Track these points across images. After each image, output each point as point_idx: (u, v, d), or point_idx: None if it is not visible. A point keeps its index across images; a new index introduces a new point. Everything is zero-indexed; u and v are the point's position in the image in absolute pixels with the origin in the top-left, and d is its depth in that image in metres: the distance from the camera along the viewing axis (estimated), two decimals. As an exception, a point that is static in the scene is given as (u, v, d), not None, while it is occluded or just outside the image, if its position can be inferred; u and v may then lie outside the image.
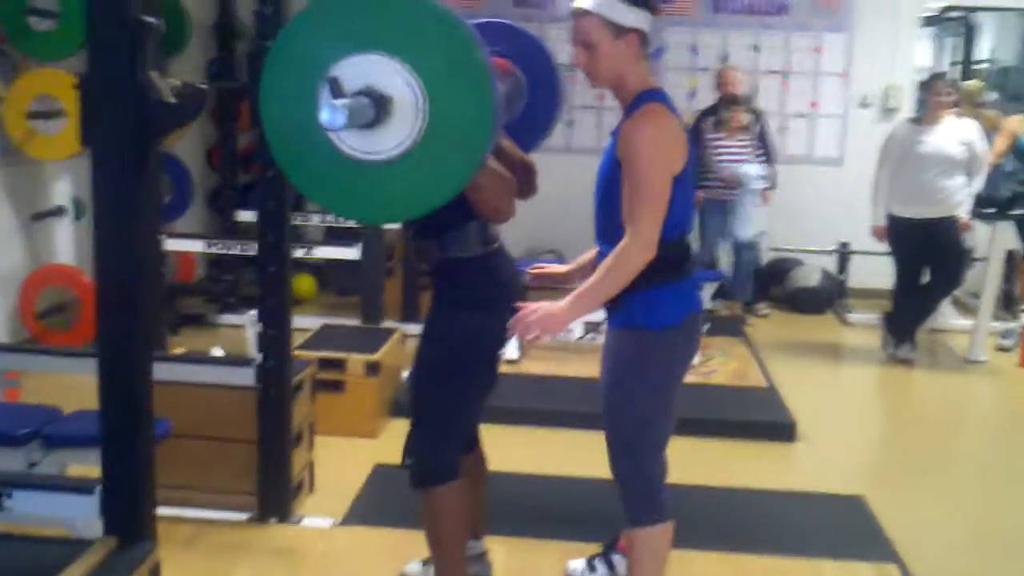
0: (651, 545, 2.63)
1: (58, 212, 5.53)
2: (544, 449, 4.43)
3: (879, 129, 6.84)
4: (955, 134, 5.91)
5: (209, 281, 7.15)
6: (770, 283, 7.61)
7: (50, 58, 5.29)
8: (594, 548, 3.24)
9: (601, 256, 2.60)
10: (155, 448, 2.51)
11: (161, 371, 3.26)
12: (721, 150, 6.87)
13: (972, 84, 7.47)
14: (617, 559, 3.15)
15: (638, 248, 2.44)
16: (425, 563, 3.05)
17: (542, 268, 2.96)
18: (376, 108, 2.00)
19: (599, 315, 2.71)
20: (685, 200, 2.57)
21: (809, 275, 7.49)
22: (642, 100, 2.51)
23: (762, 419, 4.85)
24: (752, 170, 6.81)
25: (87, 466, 2.84)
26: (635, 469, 2.62)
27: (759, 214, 6.87)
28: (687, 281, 2.65)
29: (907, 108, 7.71)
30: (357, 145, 2.06)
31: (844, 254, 7.54)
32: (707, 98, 7.76)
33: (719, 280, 6.55)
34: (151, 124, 2.35)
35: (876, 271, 7.08)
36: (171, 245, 5.74)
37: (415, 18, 2.03)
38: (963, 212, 5.96)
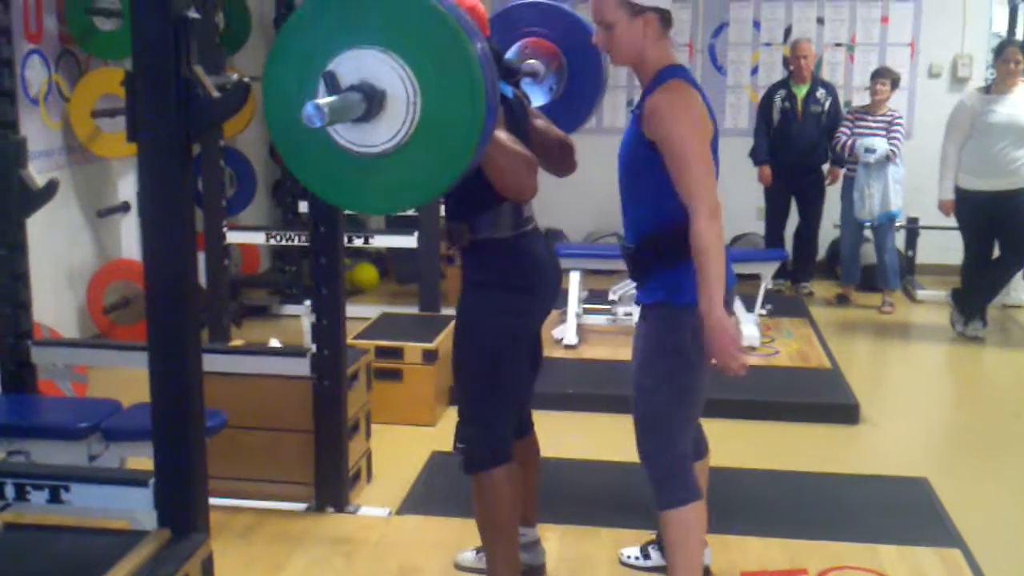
0: (685, 525, 2.62)
1: (123, 208, 5.66)
2: (600, 435, 4.41)
3: (949, 100, 6.64)
4: (1027, 103, 5.74)
5: (273, 272, 7.26)
6: (836, 260, 7.47)
7: (114, 56, 5.43)
8: (648, 536, 3.22)
9: (626, 243, 2.66)
10: (211, 440, 2.57)
11: (218, 363, 3.36)
12: (859, 125, 6.64)
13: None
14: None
15: (708, 219, 2.42)
16: (478, 551, 3.06)
17: None
18: (368, 102, 2.05)
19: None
20: (715, 164, 2.56)
21: (877, 252, 7.34)
22: (664, 77, 2.51)
23: (824, 401, 4.77)
24: (870, 143, 6.46)
25: (147, 458, 2.90)
26: (664, 448, 2.61)
27: (885, 193, 6.49)
28: None
29: (978, 77, 7.50)
30: (351, 138, 2.11)
31: (913, 229, 7.36)
32: (771, 74, 7.67)
33: (782, 260, 6.43)
34: (195, 119, 2.38)
35: (946, 247, 6.92)
36: (234, 237, 5.83)
37: (408, 13, 2.07)
38: (1035, 184, 5.78)
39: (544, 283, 2.76)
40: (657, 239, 2.60)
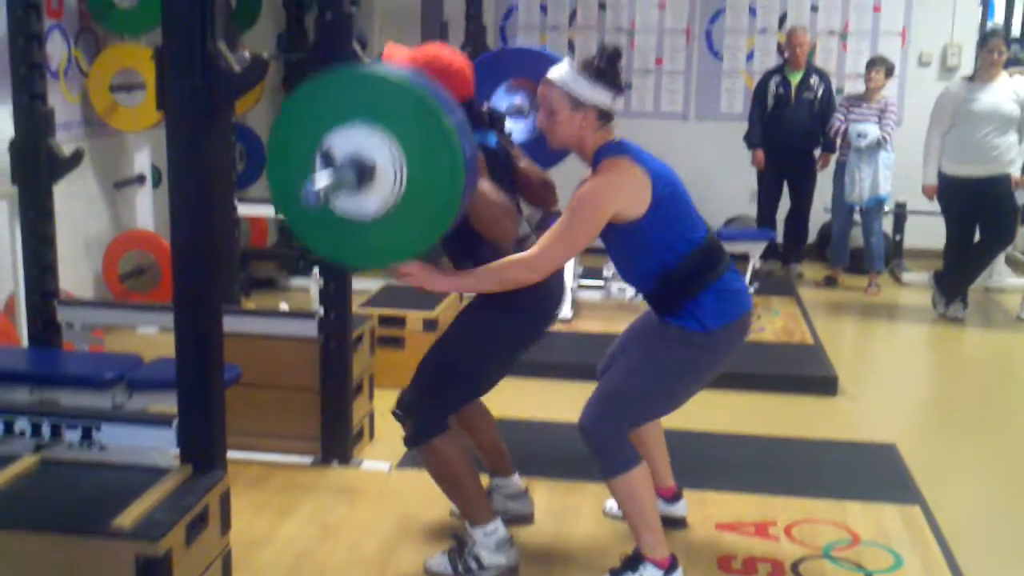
0: (630, 488, 2.82)
1: (139, 180, 5.88)
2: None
3: (938, 88, 6.79)
4: (1009, 92, 5.94)
5: (280, 246, 7.48)
6: (826, 243, 7.69)
7: (131, 33, 5.65)
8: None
9: (641, 290, 2.93)
10: (225, 392, 2.80)
11: (232, 324, 3.56)
12: (853, 111, 6.86)
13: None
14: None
15: (529, 269, 2.73)
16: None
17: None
18: (359, 176, 2.33)
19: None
20: (684, 208, 2.84)
21: (865, 235, 7.55)
22: (600, 156, 2.79)
23: (805, 373, 5.01)
24: (862, 129, 6.70)
25: (166, 407, 3.14)
26: (609, 424, 2.81)
27: (875, 178, 6.74)
28: (725, 281, 2.85)
29: (967, 66, 7.69)
30: (345, 206, 2.39)
31: (901, 214, 7.58)
32: (766, 60, 7.88)
33: (770, 239, 6.65)
34: (219, 90, 2.61)
35: (933, 231, 7.10)
36: (244, 211, 6.04)
37: (400, 98, 2.35)
38: (1015, 170, 6.02)
39: (544, 305, 2.95)
40: (668, 282, 2.84)
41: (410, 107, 2.34)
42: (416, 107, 2.34)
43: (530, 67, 3.46)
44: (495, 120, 3.07)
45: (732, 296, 2.87)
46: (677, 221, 2.81)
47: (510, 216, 2.81)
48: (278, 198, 2.50)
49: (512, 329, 2.97)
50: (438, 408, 2.96)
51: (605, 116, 2.80)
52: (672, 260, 2.79)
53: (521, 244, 2.89)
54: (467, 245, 2.87)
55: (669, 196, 2.79)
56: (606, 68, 2.76)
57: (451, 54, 2.94)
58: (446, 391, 2.97)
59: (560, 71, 2.78)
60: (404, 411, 2.98)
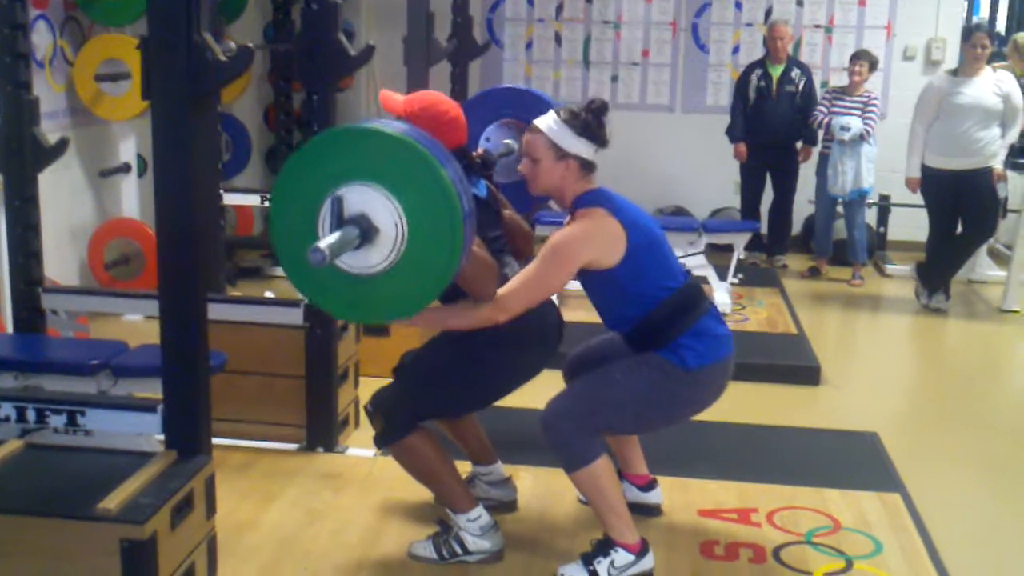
0: (594, 479, 2.84)
1: (124, 169, 5.88)
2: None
3: (923, 82, 6.82)
4: (992, 85, 5.99)
5: (266, 235, 7.48)
6: (811, 235, 7.74)
7: (117, 23, 5.64)
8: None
9: (619, 332, 2.98)
10: (211, 380, 2.82)
11: (217, 312, 3.59)
12: (837, 104, 6.91)
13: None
14: (624, 485, 3.37)
15: (496, 308, 2.75)
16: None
17: None
18: (363, 236, 2.32)
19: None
20: (661, 256, 2.87)
21: (849, 227, 7.60)
22: (577, 206, 2.84)
23: (788, 363, 5.04)
24: (845, 122, 6.76)
25: (151, 394, 3.15)
26: (574, 430, 2.82)
27: (857, 170, 6.81)
28: (704, 324, 2.87)
29: (951, 60, 7.75)
30: (348, 262, 2.37)
31: (884, 207, 7.63)
32: (752, 53, 7.91)
33: (754, 231, 6.68)
34: (204, 79, 2.62)
35: (917, 224, 7.18)
36: (229, 200, 6.04)
37: (414, 170, 2.33)
38: (997, 163, 6.06)
39: (538, 339, 2.98)
40: (644, 327, 2.88)
41: (410, 167, 2.32)
42: (416, 167, 2.32)
43: (519, 106, 3.53)
44: (486, 166, 3.10)
45: (712, 339, 2.89)
46: (653, 270, 2.85)
47: (492, 275, 2.82)
48: (279, 245, 2.46)
49: (503, 361, 2.97)
50: (411, 414, 2.98)
51: (587, 166, 2.85)
52: (648, 306, 2.84)
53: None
54: (452, 291, 2.86)
55: (645, 247, 2.83)
56: (591, 121, 2.82)
57: (446, 103, 2.94)
58: (423, 402, 3.00)
59: (547, 121, 2.83)
60: (376, 409, 3.00)
